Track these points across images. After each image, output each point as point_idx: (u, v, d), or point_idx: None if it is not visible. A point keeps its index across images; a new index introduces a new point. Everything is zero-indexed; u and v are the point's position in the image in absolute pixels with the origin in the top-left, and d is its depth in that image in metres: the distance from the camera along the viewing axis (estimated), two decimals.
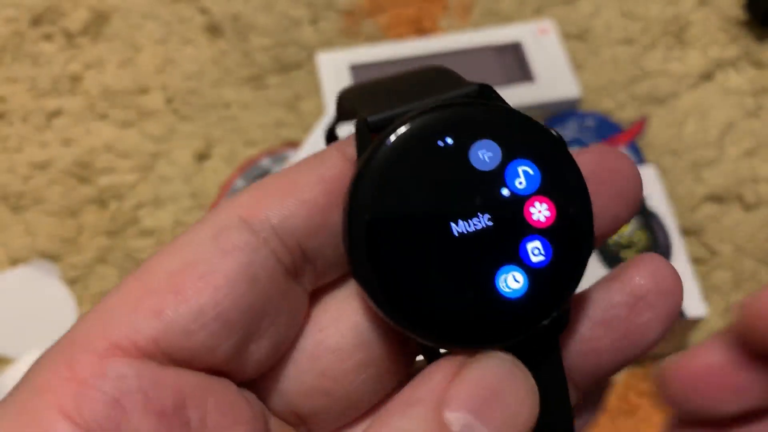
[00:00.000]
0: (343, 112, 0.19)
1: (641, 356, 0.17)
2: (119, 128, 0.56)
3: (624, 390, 0.46)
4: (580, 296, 0.17)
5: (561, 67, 0.57)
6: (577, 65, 0.59)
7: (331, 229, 0.16)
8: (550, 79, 0.57)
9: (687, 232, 0.51)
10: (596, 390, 0.19)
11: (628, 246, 0.44)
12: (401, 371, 0.18)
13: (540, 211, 0.16)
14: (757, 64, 0.59)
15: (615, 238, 0.45)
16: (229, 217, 0.16)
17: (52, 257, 0.50)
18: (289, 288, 0.16)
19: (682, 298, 0.17)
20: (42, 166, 0.54)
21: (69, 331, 0.15)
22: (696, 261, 0.50)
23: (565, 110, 0.56)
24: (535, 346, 0.16)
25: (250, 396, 0.17)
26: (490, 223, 0.16)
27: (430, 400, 0.15)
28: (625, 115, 0.57)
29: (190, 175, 0.54)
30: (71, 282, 0.49)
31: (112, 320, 0.15)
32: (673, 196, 0.53)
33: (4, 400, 0.15)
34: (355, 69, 0.57)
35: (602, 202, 0.17)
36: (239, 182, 0.53)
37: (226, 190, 0.52)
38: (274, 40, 0.60)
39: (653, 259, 0.17)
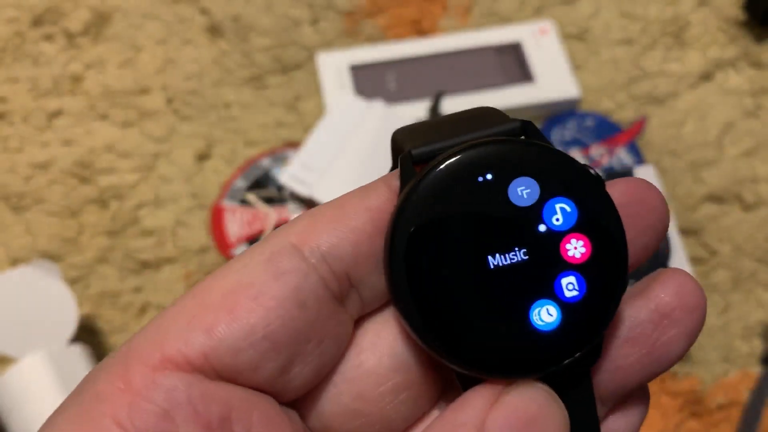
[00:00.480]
0: (395, 150, 0.20)
1: (665, 370, 0.18)
2: (120, 128, 0.56)
3: None
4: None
5: (561, 68, 0.57)
6: (577, 65, 0.59)
7: (376, 258, 0.17)
8: (550, 79, 0.57)
9: (686, 232, 0.51)
10: (638, 392, 0.19)
11: None
12: (436, 394, 0.18)
13: (576, 248, 0.16)
14: (756, 65, 0.59)
15: None
16: (282, 242, 0.16)
17: (52, 257, 0.50)
18: (336, 313, 0.17)
19: (705, 313, 0.18)
20: (43, 166, 0.54)
21: (125, 344, 0.16)
22: (695, 261, 0.50)
23: (565, 110, 0.57)
24: (568, 375, 0.17)
25: (292, 414, 0.17)
26: (526, 258, 0.16)
27: (472, 425, 0.15)
28: (624, 115, 0.57)
29: (191, 175, 0.54)
30: (72, 282, 0.49)
31: (166, 335, 0.16)
32: (673, 196, 0.53)
33: (62, 406, 0.16)
34: (355, 69, 0.58)
35: (633, 233, 0.17)
36: (239, 182, 0.53)
37: (227, 190, 0.53)
38: (275, 40, 0.60)
39: (677, 274, 0.18)
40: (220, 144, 0.55)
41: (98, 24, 0.61)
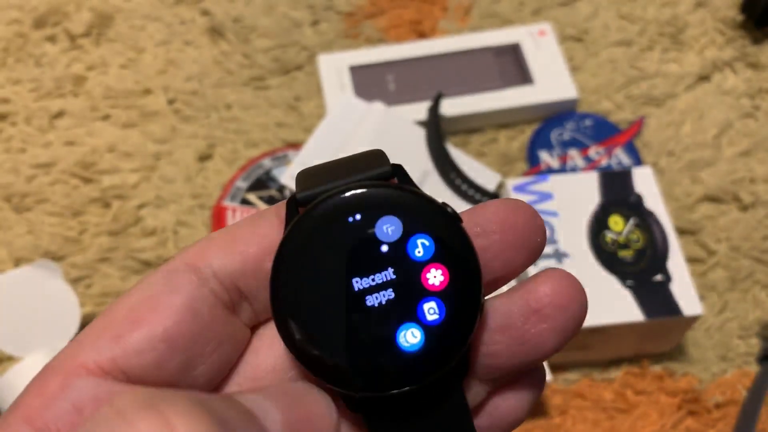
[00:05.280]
0: None
1: (539, 362, 0.19)
2: (122, 129, 0.57)
3: (621, 388, 0.46)
4: (484, 303, 0.20)
5: (559, 69, 0.58)
6: (575, 67, 0.60)
7: (263, 274, 0.19)
8: (549, 80, 0.57)
9: (684, 231, 0.52)
10: (533, 372, 0.21)
11: (626, 246, 0.45)
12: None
13: (435, 276, 0.19)
14: (754, 66, 0.60)
15: (613, 237, 0.45)
16: (178, 263, 0.19)
17: (55, 257, 0.50)
18: (229, 321, 0.19)
19: (581, 313, 0.19)
20: (45, 166, 0.54)
21: (47, 362, 0.19)
22: (692, 260, 0.51)
23: (563, 111, 0.57)
24: (440, 389, 0.19)
25: None
26: (393, 287, 0.18)
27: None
28: (622, 115, 0.57)
29: (192, 175, 0.54)
30: (74, 281, 0.50)
31: (81, 346, 0.18)
32: (670, 196, 0.53)
33: None
34: (355, 70, 0.58)
35: (497, 249, 0.19)
36: (240, 182, 0.53)
37: (228, 191, 0.53)
38: (275, 41, 0.61)
39: (556, 274, 0.19)
40: (221, 144, 0.56)
41: (100, 25, 0.62)
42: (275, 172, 0.54)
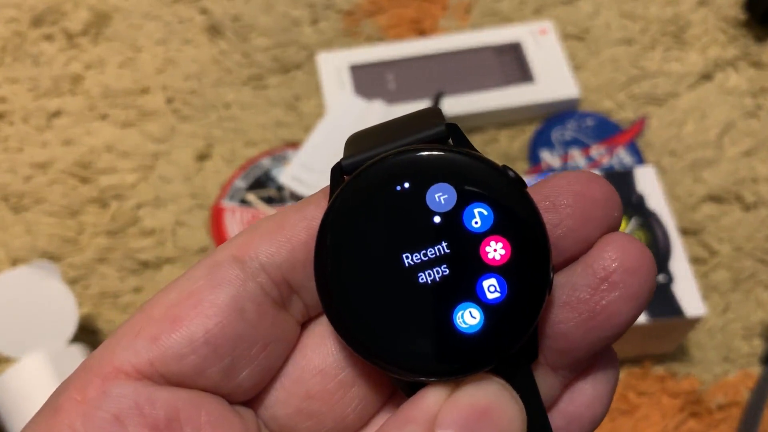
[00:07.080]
0: None
1: (613, 339, 0.17)
2: (120, 128, 0.56)
3: (623, 389, 0.46)
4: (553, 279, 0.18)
5: (560, 68, 0.57)
6: (577, 65, 0.59)
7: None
8: (550, 79, 0.57)
9: (686, 231, 0.51)
10: (604, 359, 0.19)
11: None
12: (384, 391, 0.18)
13: (495, 250, 0.17)
14: (757, 65, 0.59)
15: None
16: (223, 255, 0.18)
17: (52, 257, 0.50)
18: (278, 319, 0.18)
19: (652, 276, 0.17)
20: (43, 166, 0.54)
21: (84, 360, 0.17)
22: (695, 261, 0.50)
23: (565, 110, 0.57)
24: (504, 375, 0.17)
25: (246, 412, 0.18)
26: (447, 262, 0.17)
27: (423, 420, 0.16)
28: (624, 115, 0.57)
29: (191, 175, 0.54)
30: (72, 282, 0.49)
31: (118, 347, 0.17)
32: (673, 196, 0.53)
33: (29, 422, 0.17)
34: (355, 69, 0.58)
35: (569, 224, 0.17)
36: (239, 182, 0.53)
37: (227, 190, 0.53)
38: (274, 40, 0.60)
39: (618, 237, 0.17)
40: (220, 144, 0.55)
41: (98, 24, 0.61)
42: (274, 172, 0.53)
